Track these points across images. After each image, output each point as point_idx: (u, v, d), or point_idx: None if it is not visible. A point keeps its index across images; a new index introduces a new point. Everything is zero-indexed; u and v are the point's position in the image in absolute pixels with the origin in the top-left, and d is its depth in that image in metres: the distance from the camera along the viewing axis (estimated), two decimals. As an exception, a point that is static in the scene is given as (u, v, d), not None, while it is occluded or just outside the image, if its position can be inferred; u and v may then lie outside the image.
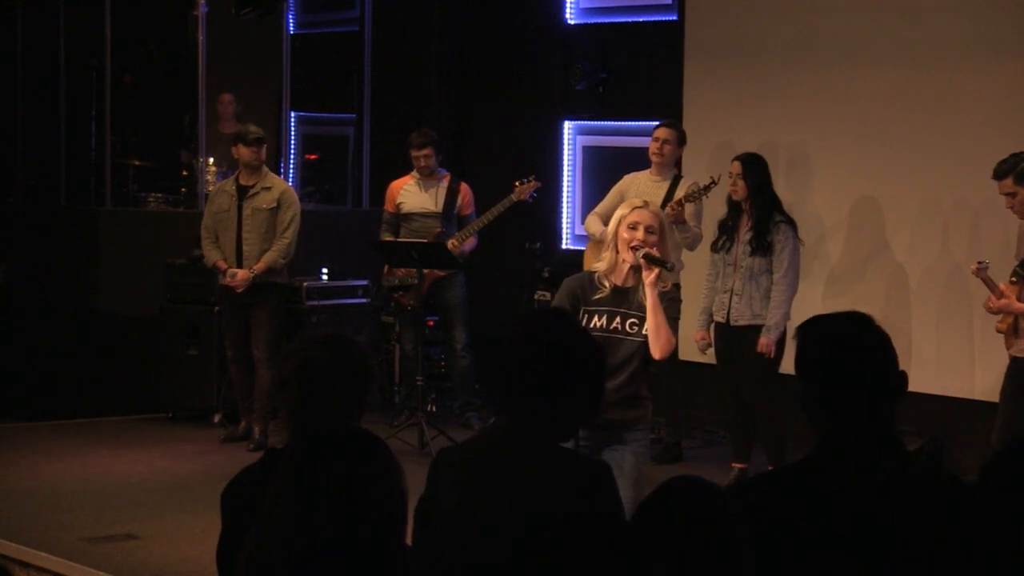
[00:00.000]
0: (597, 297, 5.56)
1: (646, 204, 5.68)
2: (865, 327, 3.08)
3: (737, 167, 8.18)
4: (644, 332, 5.51)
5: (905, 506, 2.97)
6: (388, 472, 3.28)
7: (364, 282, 10.39)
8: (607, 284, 5.55)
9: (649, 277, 5.46)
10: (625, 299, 5.54)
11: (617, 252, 5.55)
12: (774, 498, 3.02)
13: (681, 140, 8.99)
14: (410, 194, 9.77)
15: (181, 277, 10.09)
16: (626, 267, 5.53)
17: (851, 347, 3.06)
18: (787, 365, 8.20)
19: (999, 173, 7.22)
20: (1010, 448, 2.78)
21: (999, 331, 7.26)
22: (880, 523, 2.95)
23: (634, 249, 5.47)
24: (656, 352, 5.48)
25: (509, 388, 3.39)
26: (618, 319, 5.54)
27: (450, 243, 9.47)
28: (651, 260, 5.45)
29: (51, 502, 7.78)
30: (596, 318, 5.55)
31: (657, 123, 9.03)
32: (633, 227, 5.52)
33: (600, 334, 5.47)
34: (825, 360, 3.06)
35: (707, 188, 8.63)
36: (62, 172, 11.53)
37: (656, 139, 8.90)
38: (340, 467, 3.11)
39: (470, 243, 9.65)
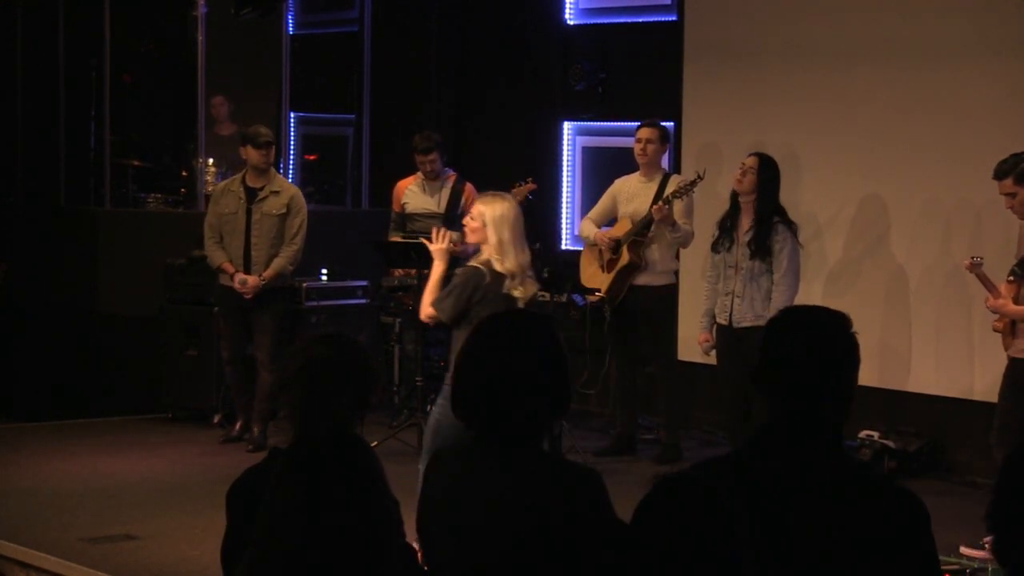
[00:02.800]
0: None
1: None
2: (843, 329, 3.13)
3: (753, 161, 8.17)
4: None
5: (827, 504, 3.00)
6: (376, 477, 3.29)
7: (364, 283, 10.40)
8: None
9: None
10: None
11: None
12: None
13: (664, 138, 9.05)
14: (414, 195, 9.78)
15: (180, 277, 10.08)
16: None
17: (825, 344, 3.10)
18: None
19: (999, 173, 7.22)
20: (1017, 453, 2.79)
21: (996, 330, 7.26)
22: (803, 518, 2.98)
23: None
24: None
25: (471, 396, 3.38)
26: None
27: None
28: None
29: (51, 502, 7.79)
30: None
31: (638, 124, 9.07)
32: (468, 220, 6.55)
33: None
34: (796, 349, 3.10)
35: (693, 183, 8.67)
36: (62, 172, 11.52)
37: (639, 140, 8.95)
38: (326, 472, 3.11)
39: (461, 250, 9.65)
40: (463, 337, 6.41)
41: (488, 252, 6.37)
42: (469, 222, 6.44)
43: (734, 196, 8.25)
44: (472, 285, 6.33)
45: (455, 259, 9.40)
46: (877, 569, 2.96)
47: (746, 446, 3.15)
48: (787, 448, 3.06)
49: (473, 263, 6.40)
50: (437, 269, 6.51)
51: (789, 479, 3.01)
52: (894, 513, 3.01)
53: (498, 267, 6.36)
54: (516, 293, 6.49)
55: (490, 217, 6.37)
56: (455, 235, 6.71)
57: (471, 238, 6.46)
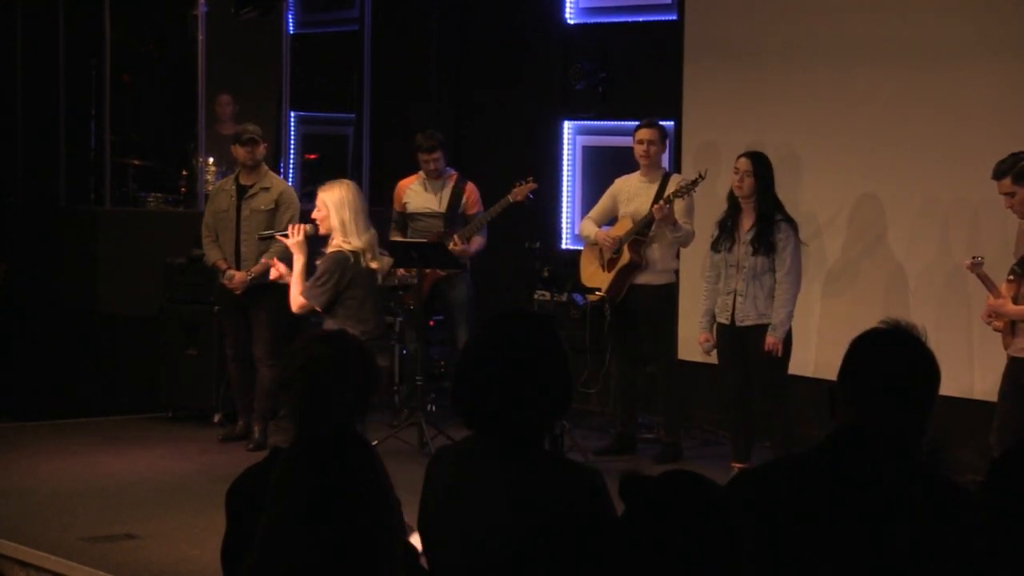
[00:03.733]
0: None
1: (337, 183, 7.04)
2: (923, 350, 3.27)
3: (746, 164, 8.18)
4: None
5: (899, 507, 3.01)
6: (376, 476, 3.28)
7: (364, 282, 10.39)
8: None
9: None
10: None
11: None
12: (777, 486, 3.09)
13: (664, 138, 9.07)
14: (415, 194, 9.79)
15: (181, 277, 10.08)
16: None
17: (909, 365, 3.24)
18: (793, 366, 8.20)
19: (998, 173, 7.23)
20: (1014, 450, 2.79)
21: (996, 329, 7.26)
22: (872, 520, 3.00)
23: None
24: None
25: (472, 395, 3.37)
26: None
27: (451, 244, 9.48)
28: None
29: (51, 502, 7.78)
30: None
31: (637, 124, 9.06)
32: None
33: None
34: (879, 368, 3.19)
35: (694, 183, 8.68)
36: (62, 172, 11.53)
37: (641, 141, 8.94)
38: (327, 472, 3.10)
39: (477, 243, 9.66)
40: (333, 325, 6.67)
41: (337, 236, 6.79)
42: (316, 213, 6.85)
43: (732, 197, 8.25)
44: (341, 268, 6.78)
45: (454, 259, 9.47)
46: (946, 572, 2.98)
47: (819, 448, 3.18)
48: (864, 453, 3.09)
49: (332, 248, 6.77)
50: (299, 262, 6.90)
51: (861, 482, 3.04)
52: (961, 519, 3.02)
53: (347, 247, 6.78)
54: (374, 265, 6.94)
55: (331, 202, 6.84)
56: (308, 227, 7.03)
57: (323, 227, 6.88)
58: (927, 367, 3.20)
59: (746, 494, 3.03)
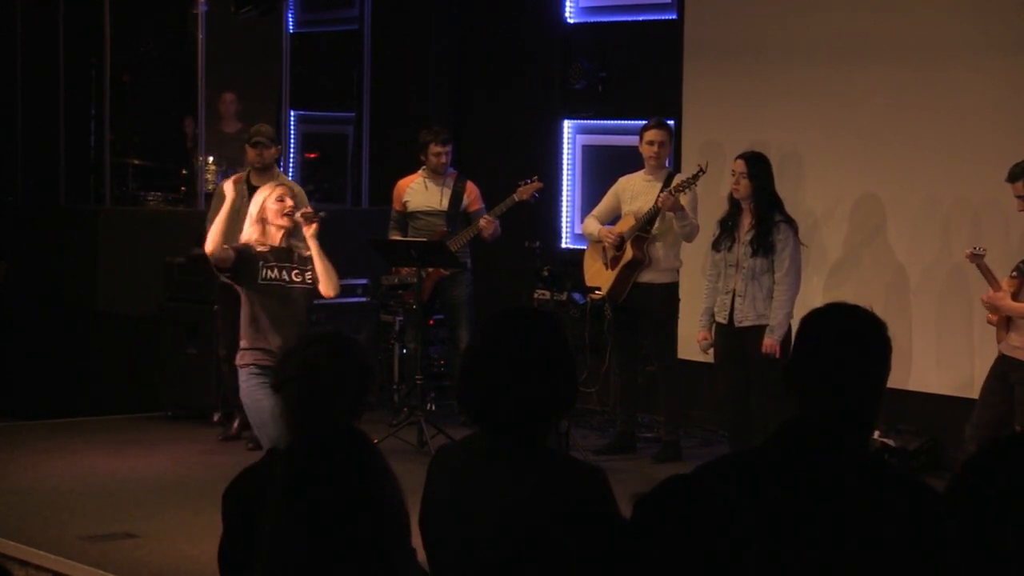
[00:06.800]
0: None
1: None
2: (880, 330, 3.18)
3: (740, 165, 8.18)
4: (309, 279, 7.10)
5: (852, 497, 2.99)
6: (381, 474, 3.27)
7: (363, 281, 10.39)
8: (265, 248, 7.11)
9: (310, 231, 7.12)
10: (287, 255, 7.10)
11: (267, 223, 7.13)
12: (733, 479, 3.07)
13: (671, 137, 9.07)
14: (416, 193, 9.78)
15: (180, 276, 10.08)
16: (281, 232, 7.11)
17: (859, 343, 3.15)
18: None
19: (1012, 176, 7.23)
20: (985, 451, 2.74)
21: (990, 322, 7.27)
22: (826, 512, 2.98)
23: (288, 215, 7.13)
24: (329, 290, 7.08)
25: (476, 392, 3.37)
26: (284, 271, 7.11)
27: (483, 221, 9.49)
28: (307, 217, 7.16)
29: (50, 501, 7.78)
30: (268, 271, 7.11)
31: (644, 123, 9.04)
32: (280, 199, 7.13)
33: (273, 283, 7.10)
34: (829, 348, 3.12)
35: (695, 176, 8.67)
36: (62, 172, 11.53)
37: (651, 142, 8.91)
38: (334, 470, 3.09)
39: (496, 227, 9.56)
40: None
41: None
42: (291, 201, 7.10)
43: (733, 196, 8.25)
44: None
45: (454, 258, 9.45)
46: (901, 566, 2.95)
47: (769, 442, 3.15)
48: (816, 446, 3.06)
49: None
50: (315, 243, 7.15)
51: (815, 476, 3.01)
52: (916, 511, 3.00)
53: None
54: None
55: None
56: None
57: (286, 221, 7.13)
58: (876, 338, 3.14)
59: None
